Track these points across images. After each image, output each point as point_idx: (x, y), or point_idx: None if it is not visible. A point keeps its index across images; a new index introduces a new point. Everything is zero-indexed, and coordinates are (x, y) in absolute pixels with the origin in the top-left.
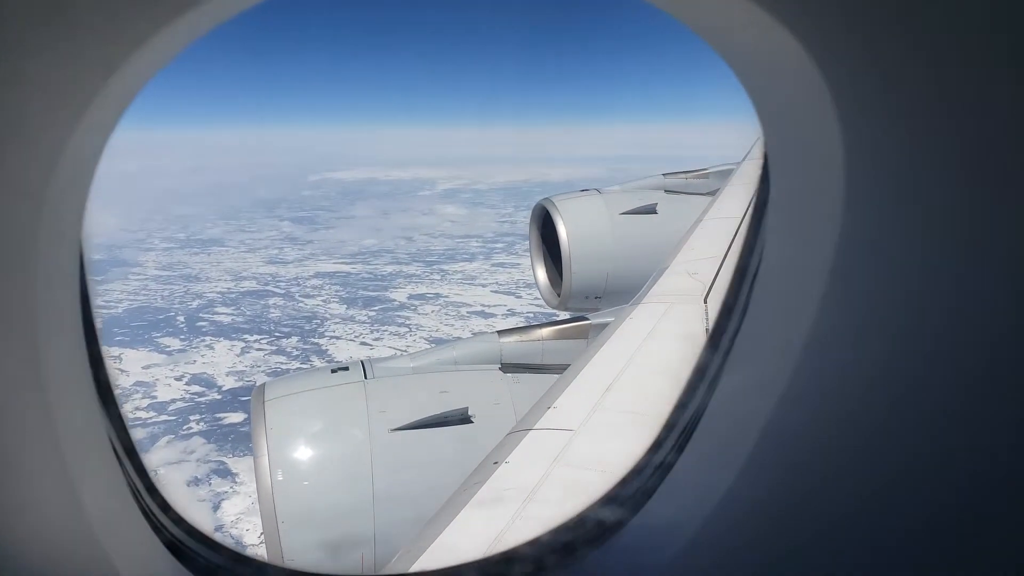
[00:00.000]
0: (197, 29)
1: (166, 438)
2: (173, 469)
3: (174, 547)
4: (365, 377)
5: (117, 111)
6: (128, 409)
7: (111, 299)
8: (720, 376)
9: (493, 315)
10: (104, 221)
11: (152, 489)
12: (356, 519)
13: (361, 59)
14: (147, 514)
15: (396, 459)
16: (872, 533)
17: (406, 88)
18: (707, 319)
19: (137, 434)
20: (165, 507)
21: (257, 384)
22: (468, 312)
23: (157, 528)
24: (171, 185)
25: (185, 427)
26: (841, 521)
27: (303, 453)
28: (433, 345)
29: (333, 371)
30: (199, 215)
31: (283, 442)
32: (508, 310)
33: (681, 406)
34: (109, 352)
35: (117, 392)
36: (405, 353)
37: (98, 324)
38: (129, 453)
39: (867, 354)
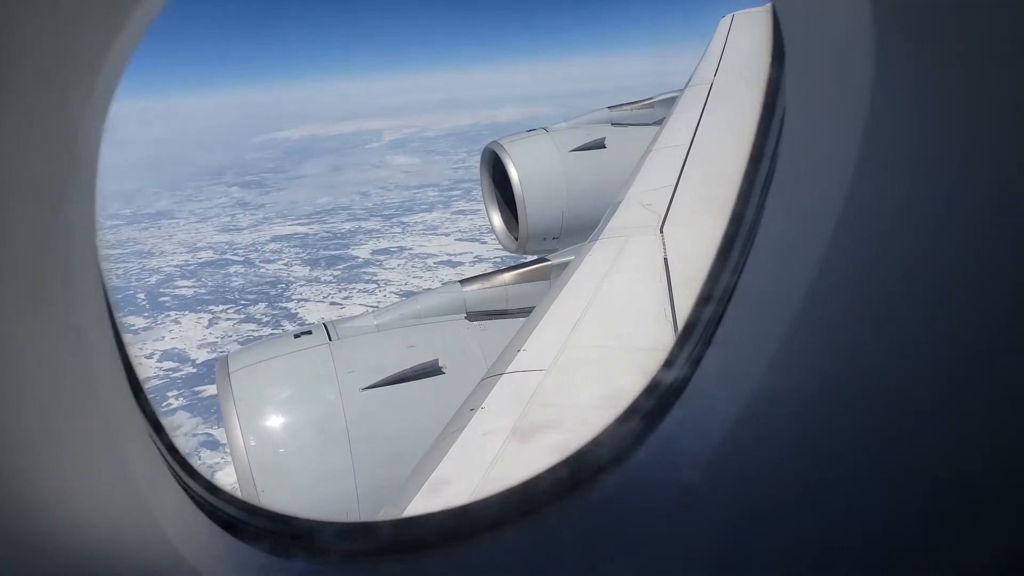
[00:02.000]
0: None
1: None
2: None
3: (212, 513)
4: (330, 339)
5: (114, 85)
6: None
7: None
8: (733, 292)
9: (461, 263)
10: None
11: (182, 460)
12: (337, 481)
13: (287, 12)
14: (183, 485)
15: (371, 417)
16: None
17: (338, 39)
18: (664, 249)
19: (160, 408)
20: (192, 473)
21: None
22: (435, 263)
23: (194, 498)
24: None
25: (165, 404)
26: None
27: (275, 421)
28: (402, 299)
29: (296, 336)
30: (140, 189)
31: (253, 412)
32: (475, 257)
33: (687, 331)
34: (131, 338)
35: (141, 371)
36: (368, 312)
37: (118, 312)
38: (156, 428)
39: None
